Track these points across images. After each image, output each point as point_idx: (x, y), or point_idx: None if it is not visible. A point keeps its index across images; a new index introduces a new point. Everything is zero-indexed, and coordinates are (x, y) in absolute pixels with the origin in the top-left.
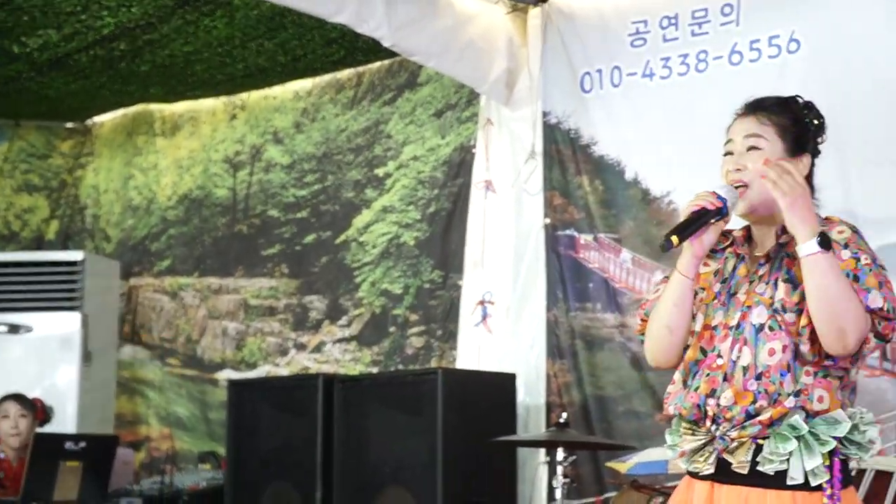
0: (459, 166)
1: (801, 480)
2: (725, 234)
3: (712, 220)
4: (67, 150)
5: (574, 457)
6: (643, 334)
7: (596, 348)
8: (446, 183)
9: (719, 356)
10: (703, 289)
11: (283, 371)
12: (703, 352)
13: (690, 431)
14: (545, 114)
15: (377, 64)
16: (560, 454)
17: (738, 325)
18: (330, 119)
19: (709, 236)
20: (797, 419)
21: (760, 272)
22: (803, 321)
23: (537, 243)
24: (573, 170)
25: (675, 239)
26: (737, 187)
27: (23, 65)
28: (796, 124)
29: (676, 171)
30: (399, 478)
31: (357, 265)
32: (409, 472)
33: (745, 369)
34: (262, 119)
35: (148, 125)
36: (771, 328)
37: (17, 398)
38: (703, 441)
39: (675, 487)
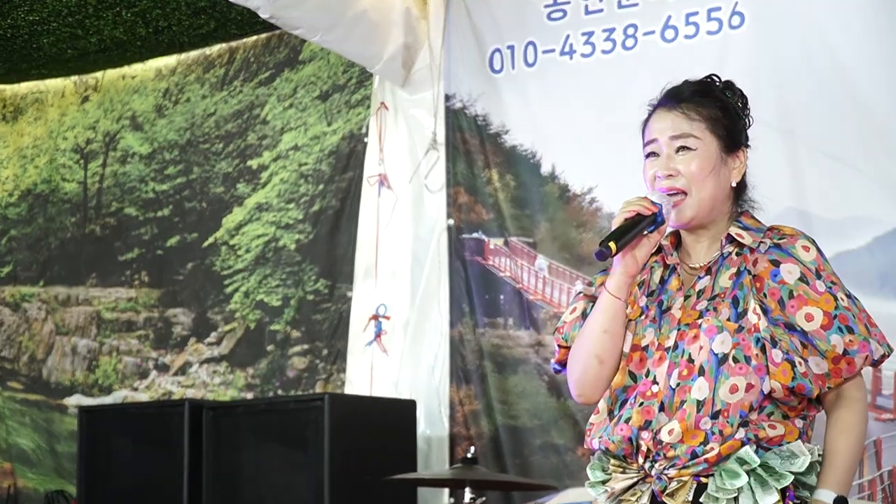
0: (348, 158)
1: None
2: None
3: (646, 231)
4: None
5: (483, 498)
6: (562, 364)
7: (508, 371)
8: (333, 177)
9: (654, 382)
10: (627, 303)
11: (143, 396)
12: (633, 377)
13: (620, 469)
14: (448, 97)
15: (252, 38)
16: (467, 495)
17: (675, 346)
18: (197, 102)
19: (642, 250)
20: (747, 451)
21: (700, 286)
22: (799, 364)
23: (439, 248)
24: (481, 162)
25: (613, 245)
26: (670, 195)
27: None
28: (727, 114)
29: (600, 164)
30: None
31: (228, 272)
32: None
33: (700, 404)
34: (117, 102)
35: None
36: (736, 359)
37: None
38: (634, 479)
39: None
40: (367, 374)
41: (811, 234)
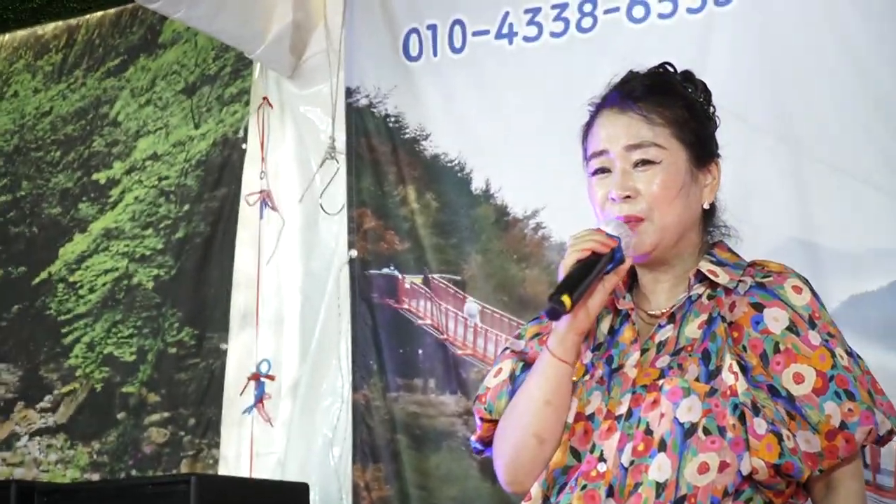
0: (221, 170)
1: None
2: None
3: (604, 273)
4: None
5: None
6: (485, 442)
7: (429, 447)
8: (202, 195)
9: (601, 459)
10: (574, 367)
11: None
12: (576, 454)
13: None
14: (350, 92)
15: (98, 15)
16: None
17: (629, 414)
18: (26, 97)
19: (596, 298)
20: None
21: (660, 337)
22: (787, 438)
23: (339, 287)
24: (393, 177)
25: (566, 300)
26: (629, 223)
27: None
28: (694, 115)
29: (548, 179)
30: None
31: (67, 318)
32: None
33: (660, 487)
34: None
35: None
36: (707, 431)
37: None
38: None
39: None
40: (245, 449)
41: (820, 271)
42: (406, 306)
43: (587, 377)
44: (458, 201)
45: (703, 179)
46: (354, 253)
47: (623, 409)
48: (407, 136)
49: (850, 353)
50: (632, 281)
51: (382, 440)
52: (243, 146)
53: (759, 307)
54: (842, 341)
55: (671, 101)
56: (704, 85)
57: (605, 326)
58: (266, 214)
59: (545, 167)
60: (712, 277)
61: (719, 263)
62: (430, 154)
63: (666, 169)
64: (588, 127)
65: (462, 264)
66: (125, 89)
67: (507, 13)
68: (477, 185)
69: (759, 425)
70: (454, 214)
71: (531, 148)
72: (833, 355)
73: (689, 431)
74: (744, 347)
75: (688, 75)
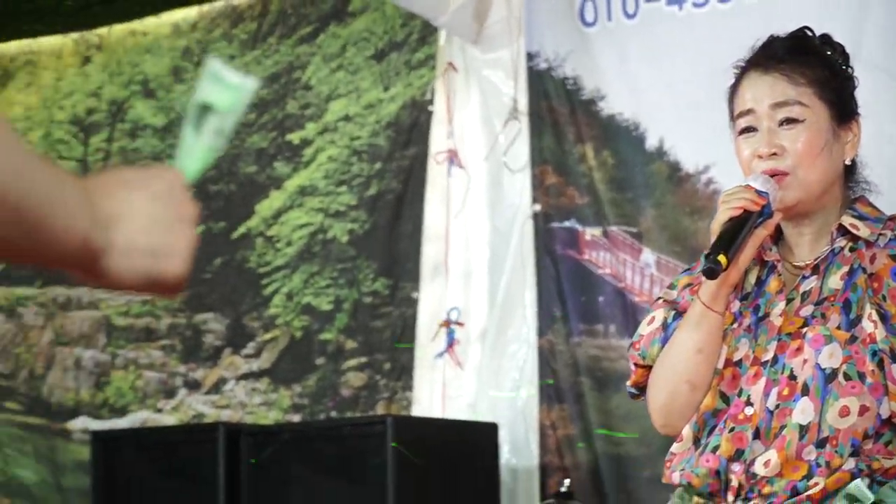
0: (410, 130)
1: None
2: None
3: (754, 226)
4: None
5: None
6: (640, 387)
7: (610, 389)
8: (392, 154)
9: (748, 403)
10: (725, 316)
11: (169, 419)
12: (725, 398)
13: None
14: (531, 56)
15: None
16: None
17: (774, 360)
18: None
19: (747, 252)
20: (858, 486)
21: (804, 288)
22: None
23: (523, 240)
24: (572, 136)
25: (722, 259)
26: (778, 174)
27: None
28: (835, 75)
29: (718, 137)
30: None
31: (266, 270)
32: None
33: (803, 430)
34: (126, 63)
35: None
36: (848, 376)
37: None
38: None
39: None
40: (437, 392)
41: None
42: (587, 257)
43: (735, 325)
44: (633, 159)
45: (844, 136)
46: (538, 207)
47: (769, 356)
48: (584, 97)
49: None
50: (777, 234)
51: (566, 382)
52: (430, 108)
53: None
54: None
55: (813, 62)
56: (842, 47)
57: (752, 277)
58: (453, 172)
59: (715, 126)
60: (853, 231)
61: (860, 217)
62: (606, 114)
63: (809, 127)
64: (734, 88)
65: (638, 217)
66: (317, 55)
67: None
68: (651, 143)
69: (894, 369)
70: (629, 171)
71: (701, 108)
72: None
73: (830, 377)
74: (883, 297)
75: (826, 38)
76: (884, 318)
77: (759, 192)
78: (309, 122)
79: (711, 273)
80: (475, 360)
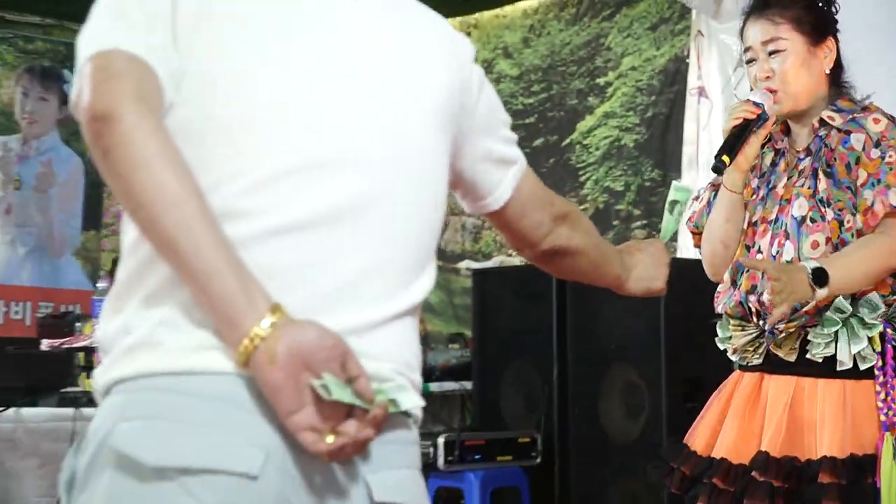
0: (674, 75)
1: (849, 365)
2: None
3: (754, 129)
4: None
5: None
6: (699, 247)
7: None
8: (662, 90)
9: (759, 251)
10: (743, 194)
11: (516, 261)
12: (747, 248)
13: (740, 328)
14: None
15: None
16: None
17: (776, 219)
18: (555, 34)
19: (752, 147)
20: (841, 300)
21: (801, 166)
22: (847, 221)
23: None
24: None
25: (726, 159)
26: (771, 91)
27: None
28: (809, 10)
29: None
30: (625, 356)
31: (581, 165)
32: (634, 351)
33: (789, 263)
34: (493, 36)
35: None
36: (812, 220)
37: None
38: (753, 335)
39: None
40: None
41: None
42: None
43: (754, 196)
44: None
45: (820, 54)
46: None
47: (772, 216)
48: None
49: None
50: (787, 127)
51: None
52: (687, 60)
53: (847, 132)
54: None
55: (789, 3)
56: None
57: (768, 161)
58: (702, 101)
59: None
60: (829, 122)
61: (838, 111)
62: None
63: (789, 54)
64: (741, 31)
65: None
66: (614, 28)
67: None
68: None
69: (828, 214)
70: None
71: None
72: (882, 159)
73: (800, 221)
74: (835, 158)
75: None
76: (830, 174)
77: (755, 104)
78: (610, 71)
79: (717, 170)
80: None
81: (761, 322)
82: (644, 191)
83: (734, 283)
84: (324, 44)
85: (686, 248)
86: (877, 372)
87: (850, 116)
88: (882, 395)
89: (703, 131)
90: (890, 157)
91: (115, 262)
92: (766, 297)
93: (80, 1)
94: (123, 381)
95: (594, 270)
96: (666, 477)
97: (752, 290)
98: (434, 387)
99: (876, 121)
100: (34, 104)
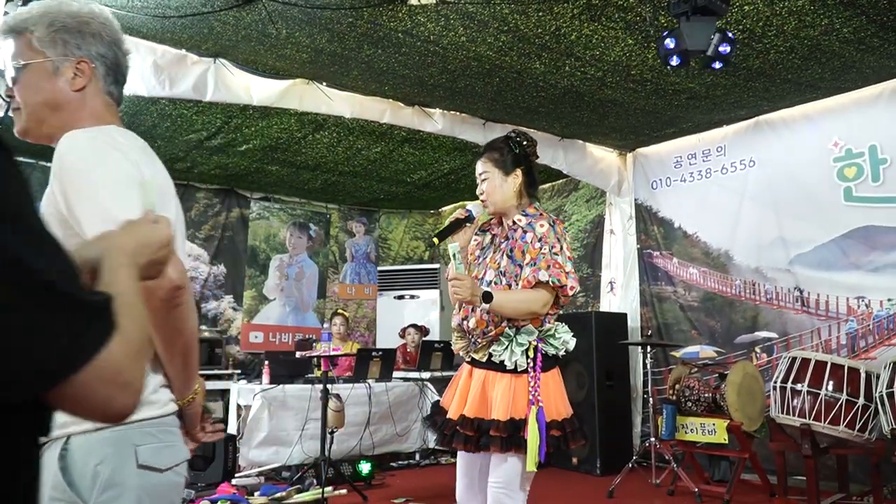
0: (598, 223)
1: (511, 366)
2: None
3: (466, 224)
4: None
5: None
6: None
7: (663, 303)
8: (591, 231)
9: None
10: (470, 254)
11: None
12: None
13: (460, 338)
14: (636, 199)
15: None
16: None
17: (480, 279)
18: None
19: (466, 234)
20: (507, 331)
21: (500, 245)
22: (514, 286)
23: (634, 257)
24: (650, 222)
25: (436, 240)
26: (483, 201)
27: None
28: (503, 155)
29: (699, 220)
30: (577, 357)
31: None
32: (582, 356)
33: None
34: None
35: None
36: (495, 283)
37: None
38: (465, 343)
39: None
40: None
41: None
42: (655, 262)
43: (476, 259)
44: (669, 231)
45: (511, 178)
46: (638, 245)
47: (481, 275)
48: (653, 212)
49: (550, 249)
50: (500, 220)
51: (647, 297)
52: (604, 216)
53: (525, 231)
54: (555, 244)
55: (494, 150)
56: (517, 141)
57: (487, 239)
58: (612, 236)
59: (696, 218)
60: (517, 222)
61: (524, 215)
62: (660, 216)
63: (491, 180)
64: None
65: (672, 247)
66: (567, 202)
67: (682, 174)
68: (677, 224)
69: (503, 280)
70: (669, 234)
71: (691, 212)
72: (539, 251)
73: (488, 283)
74: (516, 246)
75: (509, 139)
76: (510, 256)
77: (468, 210)
78: (567, 221)
79: (431, 244)
80: (615, 301)
81: (470, 336)
82: None
83: (459, 310)
84: None
85: (607, 305)
86: (529, 370)
87: (529, 220)
88: (532, 383)
89: (614, 250)
90: (544, 248)
91: (332, 314)
92: (471, 324)
93: (316, 189)
94: (140, 420)
95: None
96: (432, 427)
97: (465, 318)
98: None
99: (541, 226)
100: (296, 240)
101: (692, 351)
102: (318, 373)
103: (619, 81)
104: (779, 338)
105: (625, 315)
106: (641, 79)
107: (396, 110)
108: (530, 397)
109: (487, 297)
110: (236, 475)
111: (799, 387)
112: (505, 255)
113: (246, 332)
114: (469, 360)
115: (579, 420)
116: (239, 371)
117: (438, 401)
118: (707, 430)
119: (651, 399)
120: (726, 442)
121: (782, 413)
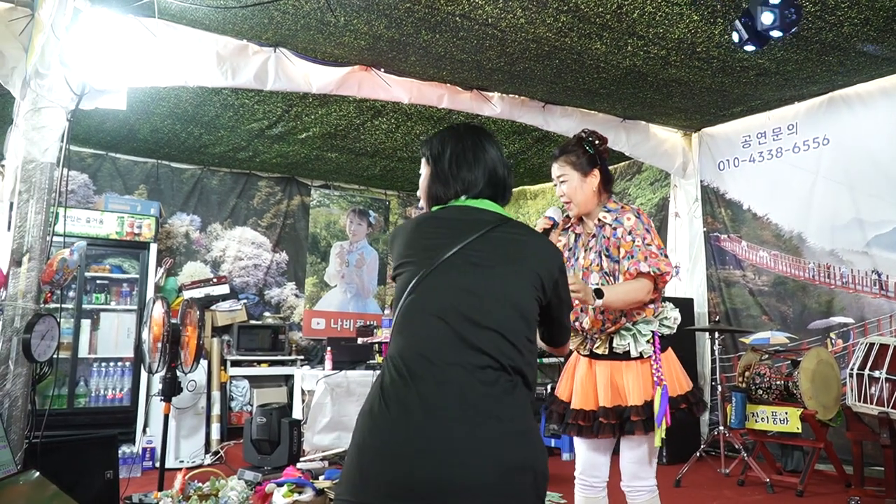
0: (663, 207)
1: (637, 355)
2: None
3: (553, 231)
4: None
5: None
6: None
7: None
8: (657, 214)
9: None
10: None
11: None
12: None
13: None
14: (701, 181)
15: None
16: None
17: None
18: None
19: (553, 239)
20: (628, 324)
21: (590, 244)
22: (617, 280)
23: (700, 240)
24: (717, 204)
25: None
26: (566, 203)
27: None
28: (579, 156)
29: (769, 201)
30: None
31: None
32: None
33: (596, 309)
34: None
35: None
36: (603, 284)
37: None
38: (580, 339)
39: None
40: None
41: None
42: (723, 245)
43: (567, 262)
44: (737, 212)
45: (590, 179)
46: (704, 229)
47: (580, 278)
48: (720, 193)
49: (643, 240)
50: (580, 220)
51: (714, 281)
52: (668, 198)
53: (614, 228)
54: (646, 236)
55: (569, 152)
56: (591, 140)
57: (571, 239)
58: (678, 217)
59: (767, 197)
60: (603, 220)
61: (607, 211)
62: (728, 198)
63: (570, 181)
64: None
65: (741, 230)
66: (631, 184)
67: (752, 153)
68: (745, 206)
69: (608, 279)
70: (737, 216)
71: (762, 193)
72: (634, 241)
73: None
74: (606, 248)
75: (582, 139)
76: (607, 255)
77: (549, 218)
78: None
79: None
80: (681, 287)
81: (585, 334)
82: None
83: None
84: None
85: (672, 290)
86: (653, 357)
87: (615, 216)
88: (654, 366)
89: (679, 232)
90: (638, 241)
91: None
92: (585, 324)
93: (375, 176)
94: None
95: None
96: (549, 417)
97: (576, 319)
98: None
99: (628, 219)
100: (356, 227)
101: (762, 337)
102: (379, 359)
103: (683, 60)
104: (855, 323)
105: (691, 300)
106: (707, 56)
107: (454, 95)
108: (654, 378)
109: (599, 293)
110: (301, 459)
111: (877, 374)
112: (601, 255)
113: (308, 318)
114: (587, 353)
115: (700, 391)
116: (302, 357)
117: (553, 391)
118: (779, 419)
119: (720, 387)
120: (799, 431)
121: (859, 401)
